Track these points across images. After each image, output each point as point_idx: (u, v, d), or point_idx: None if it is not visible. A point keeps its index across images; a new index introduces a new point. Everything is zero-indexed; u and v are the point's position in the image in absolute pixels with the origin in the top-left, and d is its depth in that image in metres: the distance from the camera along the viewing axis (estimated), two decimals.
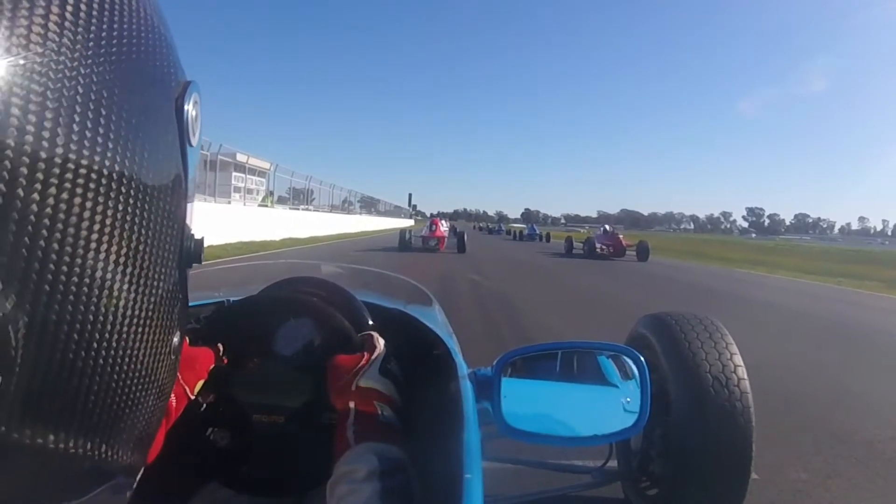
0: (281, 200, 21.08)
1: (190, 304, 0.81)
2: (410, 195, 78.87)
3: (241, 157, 17.47)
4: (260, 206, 18.06)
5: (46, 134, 0.19)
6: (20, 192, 0.18)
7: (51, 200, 0.19)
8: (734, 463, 1.25)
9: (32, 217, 0.18)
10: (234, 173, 17.86)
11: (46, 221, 0.19)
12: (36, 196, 0.18)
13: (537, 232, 32.37)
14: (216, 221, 12.00)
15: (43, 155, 0.18)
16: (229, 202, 15.44)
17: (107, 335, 0.23)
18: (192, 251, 0.31)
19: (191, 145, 0.29)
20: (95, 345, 0.22)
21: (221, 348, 0.66)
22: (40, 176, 0.18)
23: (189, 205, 0.30)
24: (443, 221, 17.67)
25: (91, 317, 0.22)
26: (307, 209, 22.29)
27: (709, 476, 1.25)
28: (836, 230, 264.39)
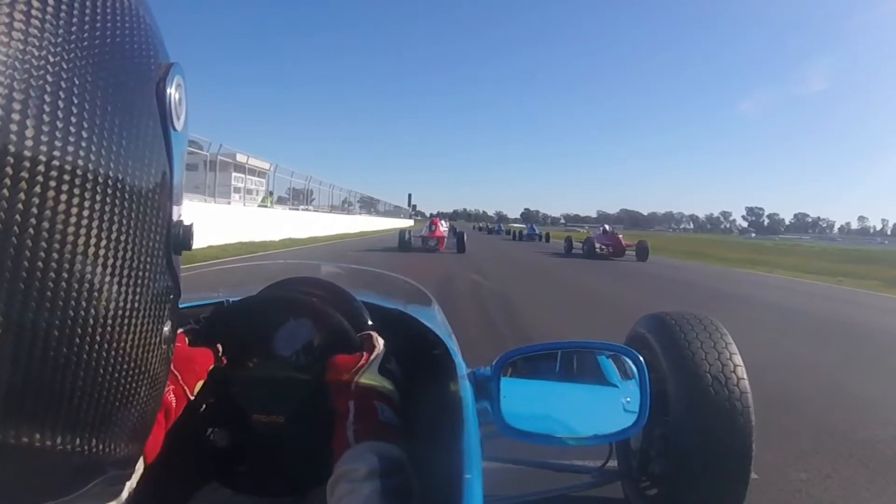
0: (280, 201, 21.08)
1: (189, 304, 0.81)
2: (410, 195, 78.90)
3: (240, 158, 17.46)
4: (260, 206, 18.05)
5: (14, 127, 0.18)
6: None
7: (21, 195, 0.19)
8: (734, 463, 1.25)
9: (2, 213, 0.18)
10: (233, 174, 17.85)
11: (18, 217, 0.18)
12: (5, 190, 0.18)
13: (537, 232, 32.30)
14: (216, 222, 11.97)
15: (11, 148, 0.18)
16: (229, 202, 15.43)
17: (90, 328, 0.22)
18: (180, 238, 0.30)
19: (175, 129, 0.28)
20: (78, 339, 0.22)
21: (220, 349, 0.66)
22: (9, 170, 0.18)
23: (177, 190, 0.29)
24: (442, 221, 17.66)
25: (71, 311, 0.21)
26: (307, 209, 22.28)
27: (709, 476, 1.25)
28: (835, 230, 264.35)
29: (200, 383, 0.62)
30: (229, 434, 0.66)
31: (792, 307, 7.39)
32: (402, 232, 15.58)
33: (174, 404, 0.57)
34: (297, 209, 21.03)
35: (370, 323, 0.75)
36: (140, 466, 0.42)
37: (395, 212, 55.47)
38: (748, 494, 1.28)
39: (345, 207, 30.82)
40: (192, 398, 0.61)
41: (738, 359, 1.32)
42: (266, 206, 18.34)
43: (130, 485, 0.37)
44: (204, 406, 0.65)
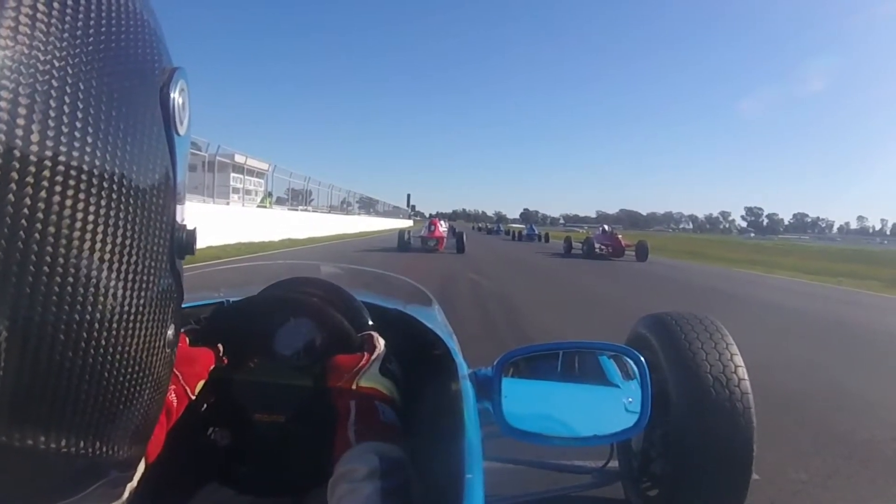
0: (279, 201, 21.05)
1: (190, 304, 0.81)
2: (409, 196, 78.81)
3: (239, 158, 17.44)
4: (259, 207, 18.03)
5: (20, 131, 0.18)
6: None
7: (28, 199, 0.18)
8: (735, 463, 1.25)
9: (8, 218, 0.18)
10: (232, 174, 17.83)
11: (24, 222, 0.18)
12: (11, 195, 0.18)
13: (536, 232, 32.26)
14: (215, 222, 11.96)
15: (17, 153, 0.18)
16: (228, 203, 15.42)
17: (95, 332, 0.22)
18: (184, 242, 0.30)
19: (178, 134, 0.29)
20: (83, 343, 0.22)
21: (221, 348, 0.66)
22: (15, 175, 0.18)
23: (180, 195, 0.29)
24: (441, 222, 17.63)
25: (77, 315, 0.21)
26: (306, 210, 22.27)
27: (709, 476, 1.25)
28: (834, 229, 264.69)
29: (202, 383, 0.62)
30: (230, 434, 0.66)
31: (792, 307, 7.39)
32: (401, 232, 15.59)
33: (175, 404, 0.57)
34: (296, 210, 21.02)
35: (371, 323, 0.75)
36: (141, 467, 0.41)
37: (394, 212, 55.46)
38: (749, 495, 1.28)
39: (344, 208, 30.80)
40: (193, 398, 0.61)
41: (739, 359, 1.32)
42: (265, 207, 18.33)
43: (131, 485, 0.37)
44: (205, 406, 0.65)
